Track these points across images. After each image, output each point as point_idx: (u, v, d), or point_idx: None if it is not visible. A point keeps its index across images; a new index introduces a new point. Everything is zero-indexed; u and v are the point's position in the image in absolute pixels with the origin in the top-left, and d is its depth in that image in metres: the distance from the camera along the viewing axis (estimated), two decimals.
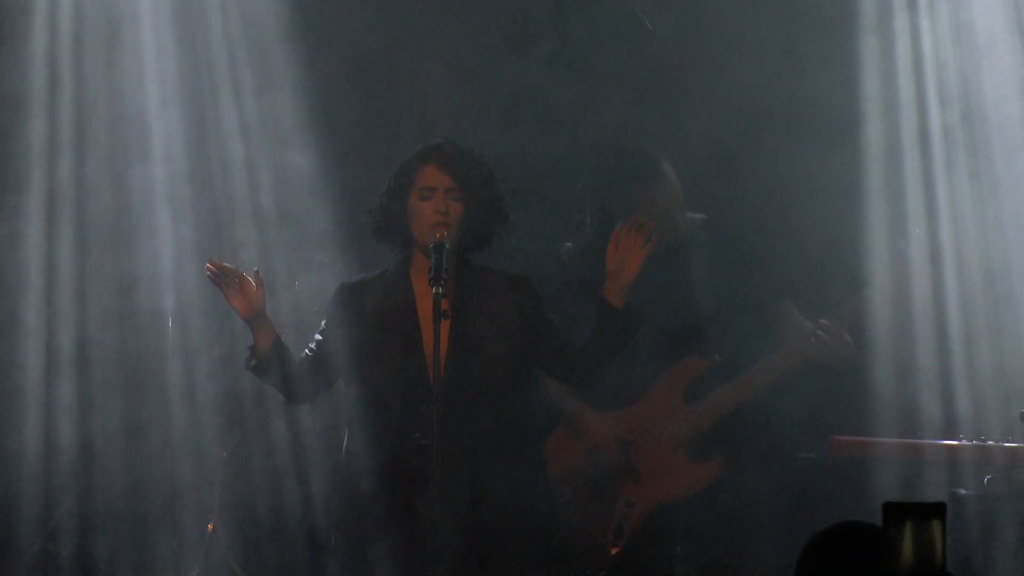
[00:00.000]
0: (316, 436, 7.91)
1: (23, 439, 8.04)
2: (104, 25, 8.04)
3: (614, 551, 7.39)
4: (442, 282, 6.12)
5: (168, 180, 8.25)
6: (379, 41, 8.34)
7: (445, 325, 6.20)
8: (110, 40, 8.14)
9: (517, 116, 8.19)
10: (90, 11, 8.05)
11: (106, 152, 8.28)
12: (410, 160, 6.44)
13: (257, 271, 6.45)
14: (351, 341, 6.38)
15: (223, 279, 6.40)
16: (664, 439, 7.41)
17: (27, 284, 8.08)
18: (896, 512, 2.64)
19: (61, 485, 8.09)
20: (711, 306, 7.43)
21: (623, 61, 8.16)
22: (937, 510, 2.62)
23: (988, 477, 6.80)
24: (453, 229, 6.30)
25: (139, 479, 8.28)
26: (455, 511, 6.21)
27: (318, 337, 6.46)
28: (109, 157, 8.28)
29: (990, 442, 6.80)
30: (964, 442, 6.84)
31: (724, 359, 7.42)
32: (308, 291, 8.11)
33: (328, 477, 7.73)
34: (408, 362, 6.30)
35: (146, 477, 8.28)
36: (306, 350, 6.45)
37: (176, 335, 8.27)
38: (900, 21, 7.56)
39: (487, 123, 8.17)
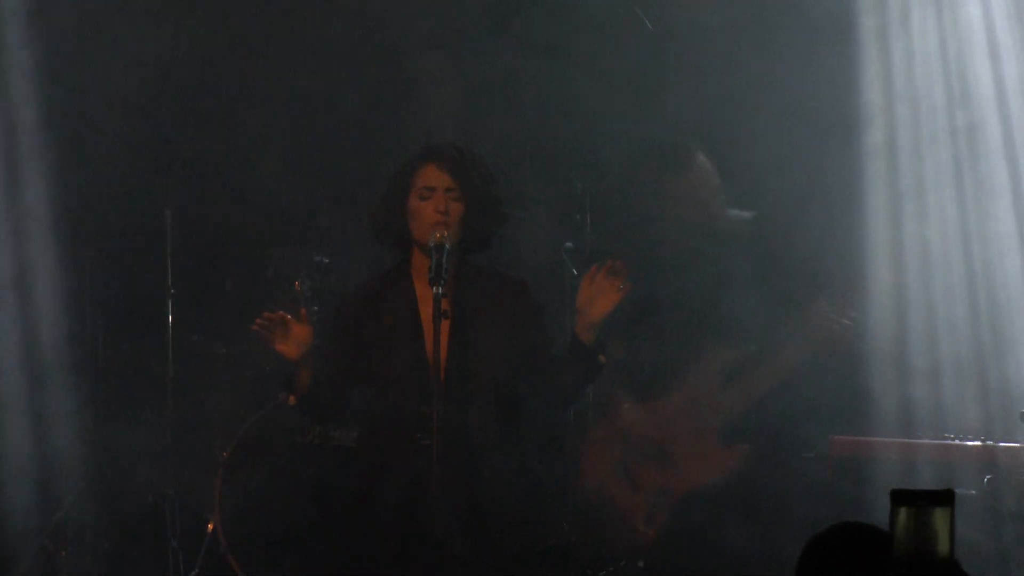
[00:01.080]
0: (317, 436, 7.90)
1: (20, 441, 8.03)
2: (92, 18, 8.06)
3: (646, 538, 7.41)
4: (442, 282, 6.12)
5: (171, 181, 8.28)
6: (373, 37, 8.34)
7: (445, 325, 6.20)
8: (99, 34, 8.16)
9: (512, 107, 8.18)
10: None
11: (104, 155, 8.30)
12: (409, 160, 6.45)
13: (304, 311, 6.34)
14: (357, 346, 6.38)
15: (271, 329, 6.27)
16: (697, 426, 7.42)
17: (28, 288, 8.09)
18: (901, 499, 2.64)
19: (60, 485, 8.09)
20: (751, 301, 7.43)
21: (609, 51, 8.16)
22: (945, 497, 2.62)
23: (988, 477, 6.80)
24: (453, 229, 6.30)
25: (137, 479, 8.29)
26: (456, 511, 6.21)
27: (329, 356, 6.43)
28: (108, 160, 8.30)
29: (990, 442, 6.80)
30: (964, 442, 6.84)
31: (758, 348, 7.42)
32: (308, 291, 8.10)
33: (329, 477, 7.72)
34: (411, 362, 6.30)
35: (144, 477, 8.29)
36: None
37: (176, 336, 8.28)
38: (899, 20, 7.55)
39: (486, 119, 8.16)
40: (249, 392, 8.16)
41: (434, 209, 6.31)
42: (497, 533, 6.31)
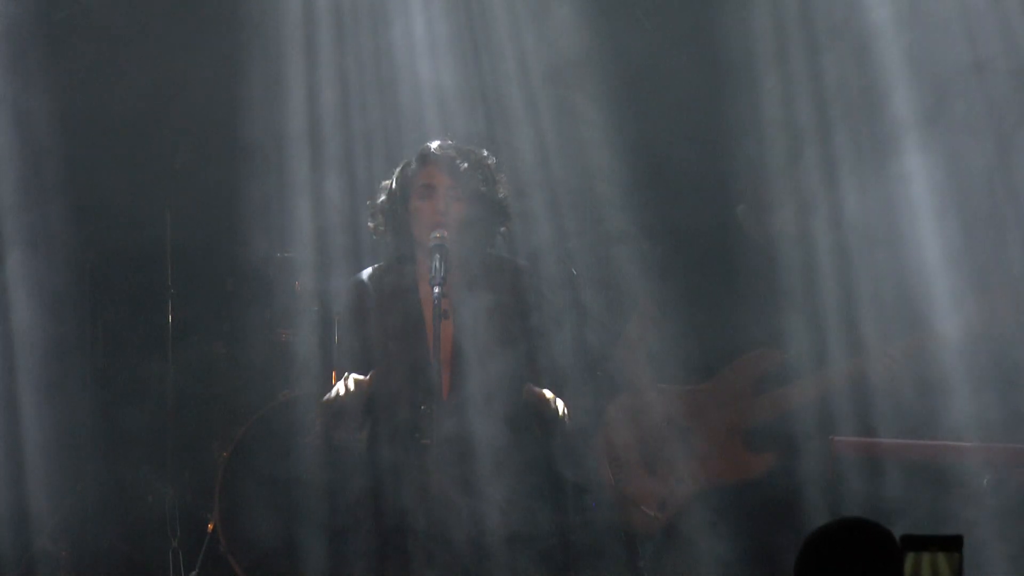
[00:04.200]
0: (317, 436, 7.90)
1: (20, 441, 8.04)
2: None
3: (657, 523, 7.41)
4: (441, 283, 6.12)
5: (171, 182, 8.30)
6: (374, 36, 8.34)
7: (447, 325, 6.20)
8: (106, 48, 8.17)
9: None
10: None
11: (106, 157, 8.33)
12: (411, 161, 6.44)
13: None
14: (364, 339, 6.38)
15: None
16: (725, 423, 7.41)
17: (28, 288, 8.10)
18: (911, 544, 2.63)
19: (60, 485, 8.10)
20: (801, 312, 7.41)
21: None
22: (953, 543, 2.61)
23: (988, 477, 6.80)
24: (453, 229, 6.29)
25: (137, 479, 8.30)
26: (456, 511, 6.22)
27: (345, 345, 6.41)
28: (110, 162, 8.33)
29: (991, 442, 6.80)
30: (965, 442, 6.83)
31: (796, 358, 7.39)
32: (308, 292, 8.12)
33: (330, 477, 7.74)
34: (415, 363, 6.30)
35: (144, 477, 8.30)
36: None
37: (176, 336, 8.29)
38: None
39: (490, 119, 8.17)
40: (249, 392, 8.16)
41: (433, 209, 6.31)
42: (498, 533, 6.31)
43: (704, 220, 7.63)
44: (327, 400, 6.19)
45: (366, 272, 6.49)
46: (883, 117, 7.55)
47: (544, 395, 6.26)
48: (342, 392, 6.15)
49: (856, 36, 7.64)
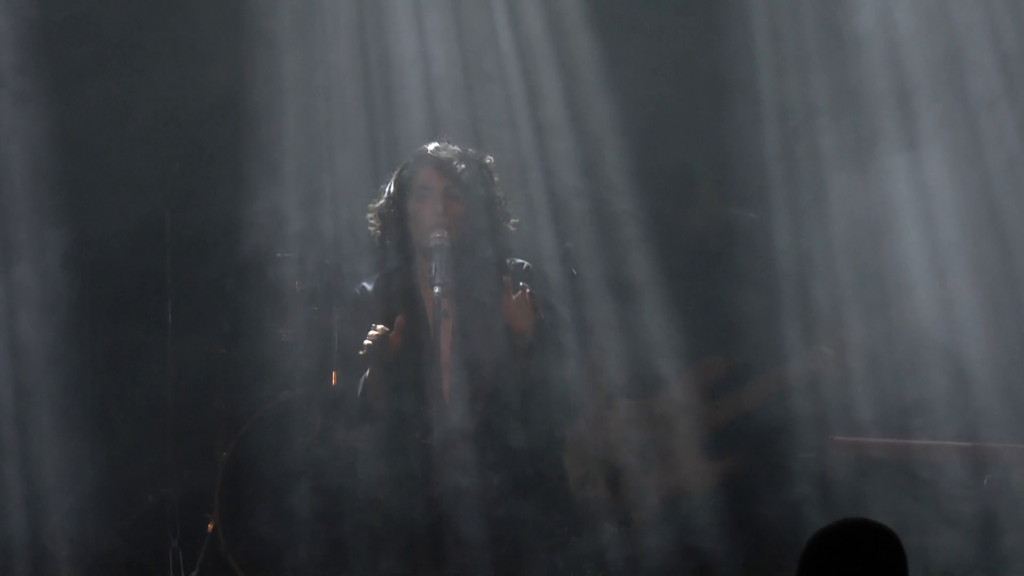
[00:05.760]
0: (317, 436, 7.91)
1: (20, 441, 8.04)
2: None
3: (620, 535, 7.41)
4: (441, 283, 6.14)
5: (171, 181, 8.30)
6: (375, 35, 8.34)
7: (447, 325, 6.22)
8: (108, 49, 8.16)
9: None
10: None
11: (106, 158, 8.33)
12: (408, 164, 6.46)
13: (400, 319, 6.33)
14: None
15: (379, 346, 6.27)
16: (681, 432, 7.42)
17: (28, 288, 8.10)
18: None
19: (60, 485, 8.09)
20: (750, 307, 7.42)
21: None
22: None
23: (988, 477, 6.82)
24: (452, 229, 6.30)
25: (137, 479, 8.30)
26: (457, 512, 6.23)
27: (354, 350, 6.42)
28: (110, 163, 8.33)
29: (990, 442, 6.82)
30: (964, 443, 6.85)
31: (747, 360, 7.41)
32: (307, 292, 8.11)
33: (331, 476, 7.74)
34: (416, 363, 6.31)
35: (144, 477, 8.30)
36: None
37: (176, 336, 8.30)
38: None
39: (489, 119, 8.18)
40: (249, 392, 8.16)
41: (431, 210, 6.32)
42: (497, 532, 6.32)
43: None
44: (366, 347, 6.17)
45: (370, 279, 6.51)
46: (865, 119, 7.57)
47: (520, 303, 6.23)
48: (375, 337, 6.14)
49: (849, 38, 7.67)
